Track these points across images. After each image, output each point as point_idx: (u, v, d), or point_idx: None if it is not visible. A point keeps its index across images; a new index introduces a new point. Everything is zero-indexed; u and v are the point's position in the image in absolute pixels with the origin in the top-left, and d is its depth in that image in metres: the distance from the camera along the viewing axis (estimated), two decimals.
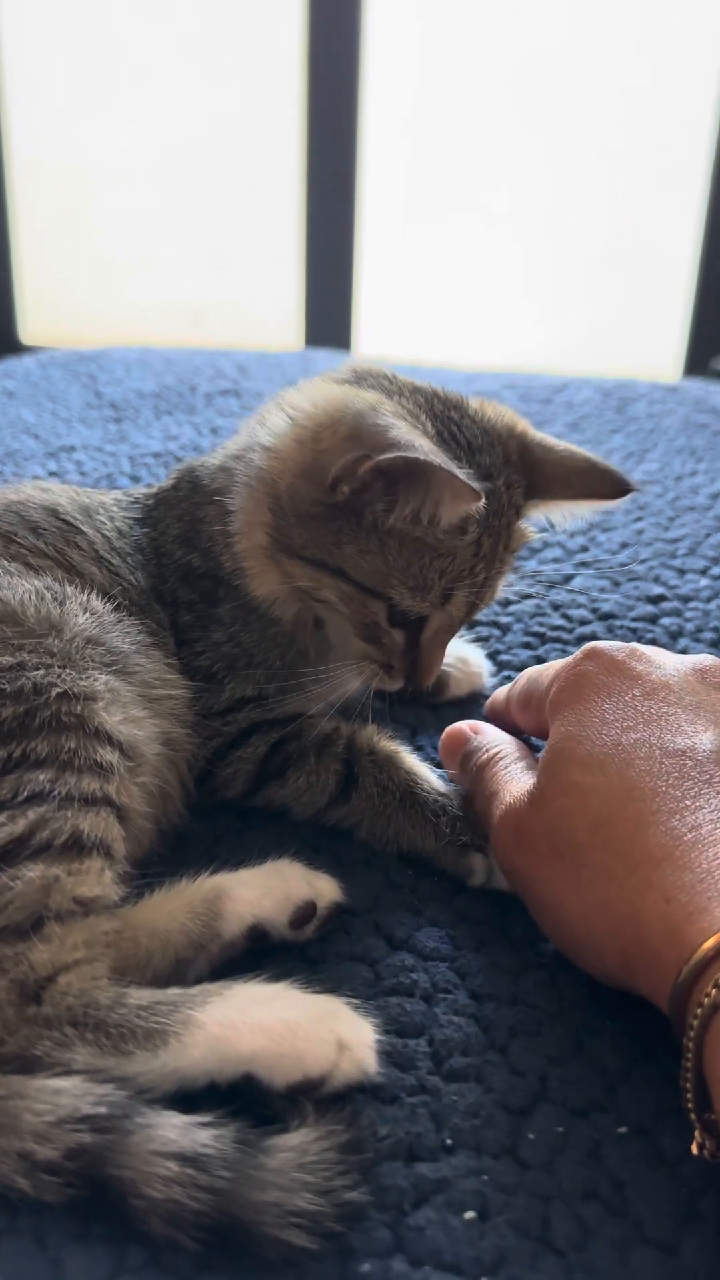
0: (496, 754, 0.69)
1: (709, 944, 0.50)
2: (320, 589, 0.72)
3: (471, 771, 0.70)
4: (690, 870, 0.53)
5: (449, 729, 0.74)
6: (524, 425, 0.78)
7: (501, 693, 0.77)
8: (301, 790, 0.73)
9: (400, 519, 0.68)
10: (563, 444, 0.78)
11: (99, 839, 0.59)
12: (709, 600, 1.00)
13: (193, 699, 0.73)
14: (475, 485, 0.65)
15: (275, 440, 0.72)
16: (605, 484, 0.77)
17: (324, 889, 0.64)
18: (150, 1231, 0.48)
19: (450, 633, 0.75)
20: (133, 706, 0.67)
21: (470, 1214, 0.50)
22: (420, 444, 0.65)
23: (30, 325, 2.86)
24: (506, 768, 0.68)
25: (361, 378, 0.75)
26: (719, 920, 0.51)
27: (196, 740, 0.73)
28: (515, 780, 0.66)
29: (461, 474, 0.64)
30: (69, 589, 0.70)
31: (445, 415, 0.73)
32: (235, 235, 2.77)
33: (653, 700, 0.62)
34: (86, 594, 0.71)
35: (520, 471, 0.75)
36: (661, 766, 0.58)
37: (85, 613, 0.69)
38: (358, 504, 0.68)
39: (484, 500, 0.66)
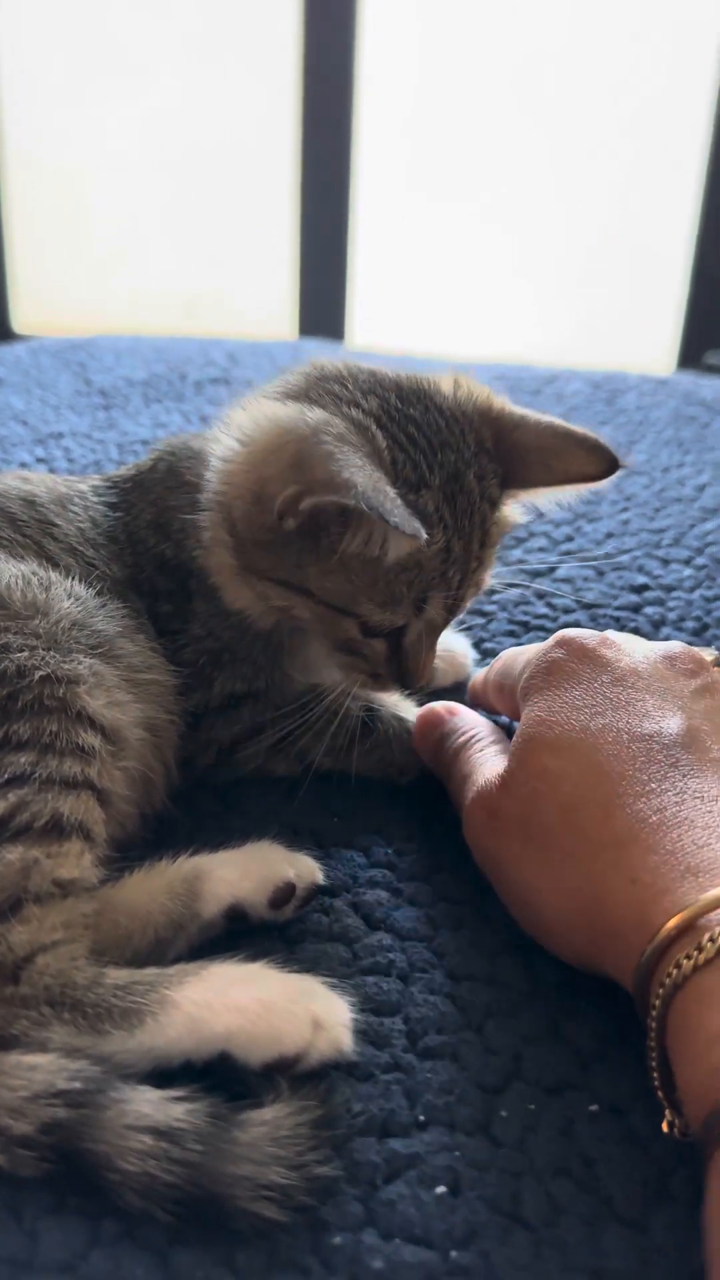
0: (471, 737, 0.70)
1: (671, 923, 0.51)
2: (294, 608, 0.69)
3: (446, 754, 0.71)
4: (655, 851, 0.54)
5: (423, 710, 0.74)
6: (500, 404, 0.72)
7: (480, 676, 0.77)
8: (333, 733, 0.72)
9: (352, 545, 0.64)
10: (545, 420, 0.72)
11: (79, 822, 0.60)
12: (692, 590, 1.00)
13: (179, 687, 0.73)
14: (410, 530, 0.60)
15: (225, 465, 0.69)
16: (590, 463, 0.71)
17: (303, 870, 0.65)
18: (125, 1204, 0.48)
19: (435, 634, 0.71)
20: (116, 690, 0.67)
21: (441, 1189, 0.51)
22: (359, 481, 0.59)
23: (23, 315, 2.86)
24: (480, 751, 0.68)
25: (313, 385, 0.70)
26: (682, 900, 0.52)
27: (192, 735, 0.73)
28: (488, 764, 0.66)
29: (396, 519, 0.59)
30: (54, 575, 0.70)
31: (403, 415, 0.68)
32: (229, 227, 2.77)
33: (621, 686, 0.62)
34: (70, 581, 0.71)
35: (496, 459, 0.70)
36: (629, 751, 0.58)
37: (70, 598, 0.69)
38: (311, 528, 0.65)
39: (424, 539, 0.61)
